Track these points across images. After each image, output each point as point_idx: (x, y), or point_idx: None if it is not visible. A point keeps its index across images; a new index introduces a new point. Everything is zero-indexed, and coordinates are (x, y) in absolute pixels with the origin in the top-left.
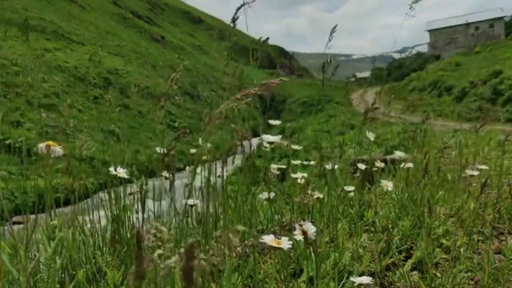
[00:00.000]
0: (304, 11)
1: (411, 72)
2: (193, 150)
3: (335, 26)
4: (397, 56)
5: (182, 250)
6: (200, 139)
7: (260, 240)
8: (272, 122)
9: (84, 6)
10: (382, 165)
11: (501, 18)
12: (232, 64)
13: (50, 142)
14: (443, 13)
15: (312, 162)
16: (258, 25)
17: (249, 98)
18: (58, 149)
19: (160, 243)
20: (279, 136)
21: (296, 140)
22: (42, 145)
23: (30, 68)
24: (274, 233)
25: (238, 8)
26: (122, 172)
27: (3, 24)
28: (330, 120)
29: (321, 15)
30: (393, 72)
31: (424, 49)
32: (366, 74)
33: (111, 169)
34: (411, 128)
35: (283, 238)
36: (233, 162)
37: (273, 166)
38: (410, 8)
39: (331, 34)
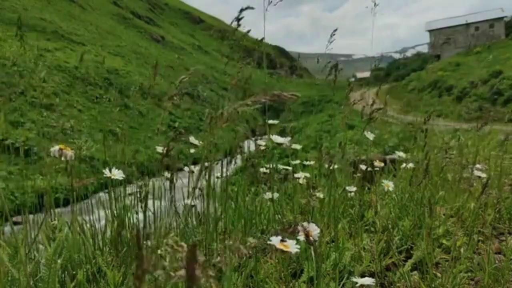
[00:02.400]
0: (304, 10)
1: (411, 72)
2: (192, 150)
3: (335, 30)
4: (397, 56)
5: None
6: (197, 140)
7: (269, 242)
8: (270, 122)
9: (84, 6)
10: (382, 164)
11: (501, 18)
12: (241, 66)
13: (62, 146)
14: (443, 13)
15: (312, 162)
16: (257, 25)
17: (258, 104)
18: (70, 153)
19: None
20: (288, 138)
21: (296, 140)
22: (54, 149)
23: (30, 68)
24: (276, 233)
25: (242, 10)
26: (117, 174)
27: (3, 24)
28: (330, 120)
29: (321, 15)
30: (393, 72)
31: (424, 49)
32: (366, 74)
33: (106, 171)
34: (411, 129)
35: (290, 241)
36: (235, 162)
37: (280, 167)
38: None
39: (331, 37)
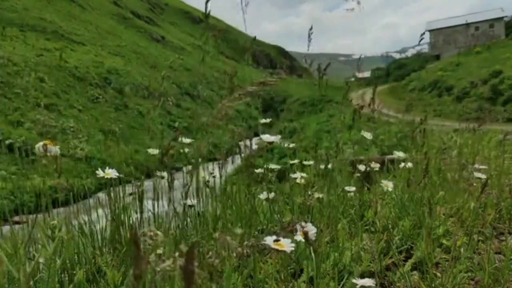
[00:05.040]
0: (304, 10)
1: (411, 72)
2: (186, 150)
3: (311, 28)
4: (397, 56)
5: (178, 252)
6: (187, 139)
7: (263, 242)
8: (263, 121)
9: (84, 6)
10: (377, 165)
11: (501, 18)
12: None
13: (47, 142)
14: (443, 13)
15: (311, 162)
16: (258, 24)
17: (248, 97)
18: (54, 149)
19: (156, 246)
20: (278, 136)
21: (296, 140)
22: (39, 145)
23: (30, 68)
24: (275, 233)
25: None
26: (111, 173)
27: (3, 24)
28: (330, 120)
29: (321, 14)
30: (393, 72)
31: (424, 49)
32: (366, 74)
33: (99, 171)
34: (409, 128)
35: (285, 240)
36: (233, 162)
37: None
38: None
39: (309, 36)
